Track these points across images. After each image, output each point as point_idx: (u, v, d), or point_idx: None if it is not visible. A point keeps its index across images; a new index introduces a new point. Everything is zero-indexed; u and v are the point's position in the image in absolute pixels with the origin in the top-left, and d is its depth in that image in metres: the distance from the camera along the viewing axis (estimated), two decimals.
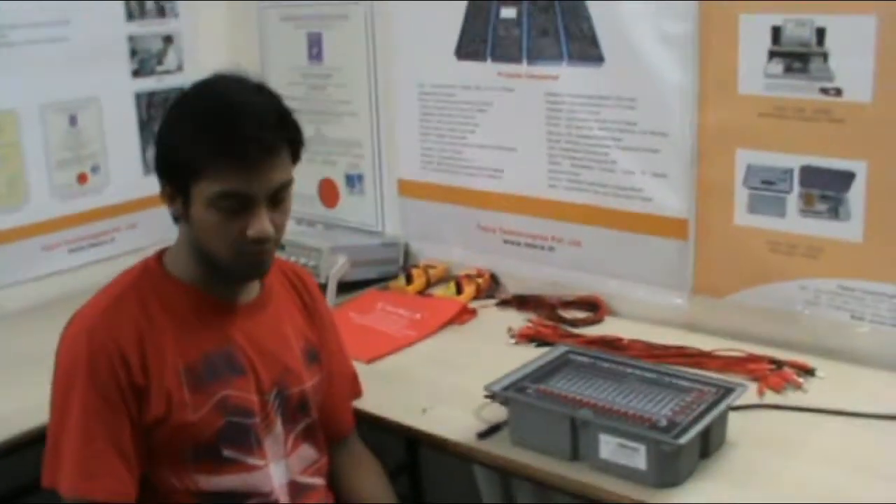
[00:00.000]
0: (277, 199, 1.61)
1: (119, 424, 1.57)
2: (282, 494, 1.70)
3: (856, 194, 2.06)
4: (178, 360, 1.62)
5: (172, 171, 1.62)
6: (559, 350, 2.02)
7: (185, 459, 1.62)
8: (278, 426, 1.72)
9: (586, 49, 2.36)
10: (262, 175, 1.57)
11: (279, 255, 2.51)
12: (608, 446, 1.71)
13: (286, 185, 1.62)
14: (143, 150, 2.96)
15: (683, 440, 1.63)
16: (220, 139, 1.54)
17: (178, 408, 1.60)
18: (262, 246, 1.61)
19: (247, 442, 1.66)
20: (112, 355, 1.57)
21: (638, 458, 1.67)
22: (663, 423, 1.69)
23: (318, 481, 1.80)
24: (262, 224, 1.58)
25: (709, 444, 1.76)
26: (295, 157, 1.65)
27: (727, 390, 1.81)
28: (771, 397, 1.99)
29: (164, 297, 1.65)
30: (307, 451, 1.78)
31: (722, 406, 1.75)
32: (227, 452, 1.64)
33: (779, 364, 2.08)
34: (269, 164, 1.57)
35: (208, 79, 1.65)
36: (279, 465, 1.71)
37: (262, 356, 1.70)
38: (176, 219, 1.67)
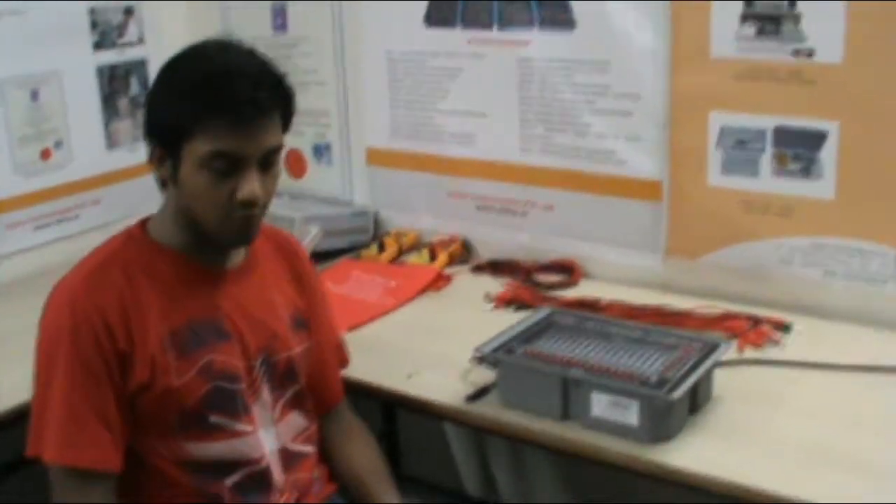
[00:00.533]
0: (268, 163, 1.60)
1: (103, 394, 1.57)
2: (273, 461, 1.70)
3: (828, 154, 2.10)
4: (163, 325, 1.61)
5: (163, 131, 1.60)
6: (543, 312, 2.04)
7: (171, 427, 1.62)
8: (266, 392, 1.72)
9: (558, 14, 2.37)
10: (255, 136, 1.56)
11: None
12: (600, 404, 1.73)
13: (277, 150, 1.62)
14: (107, 125, 2.92)
15: (676, 395, 1.66)
16: (216, 98, 1.53)
17: (163, 373, 1.59)
18: (250, 210, 1.59)
19: (234, 407, 1.66)
20: (95, 326, 1.56)
21: (630, 414, 1.70)
22: (654, 379, 1.72)
23: (309, 449, 1.80)
24: (252, 186, 1.57)
25: (697, 400, 1.79)
26: (286, 124, 1.64)
27: (713, 346, 1.84)
28: (751, 353, 2.03)
29: (148, 264, 1.65)
30: (297, 419, 1.78)
31: (710, 361, 1.78)
32: (213, 418, 1.64)
33: (756, 321, 2.12)
34: (262, 125, 1.57)
35: (200, 43, 1.63)
36: (269, 431, 1.71)
37: (248, 322, 1.70)
38: (163, 184, 1.66)
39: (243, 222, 1.61)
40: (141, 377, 1.58)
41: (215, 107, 1.53)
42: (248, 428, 1.67)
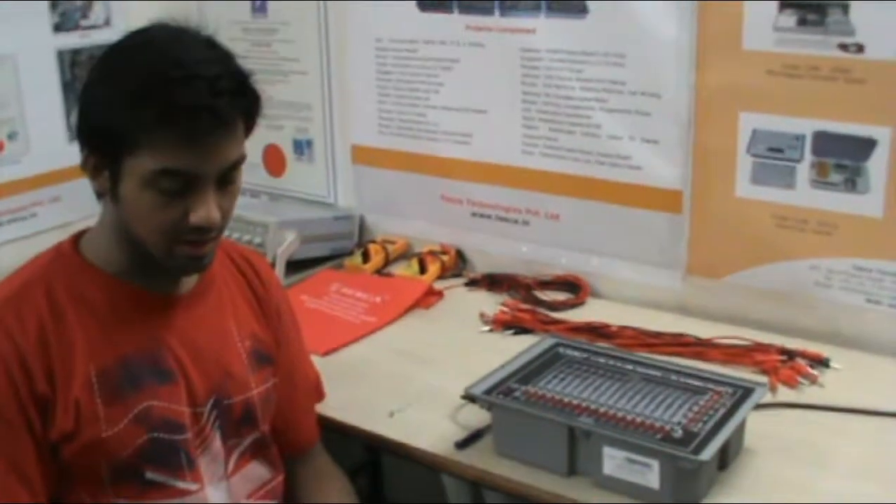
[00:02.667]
0: (227, 179, 1.35)
1: (18, 443, 1.32)
2: None
3: (876, 164, 1.84)
4: (90, 364, 1.35)
5: (100, 139, 1.33)
6: (546, 343, 1.78)
7: (101, 482, 1.37)
8: (216, 443, 1.46)
9: None
10: (212, 152, 1.30)
11: None
12: (613, 461, 1.47)
13: (238, 163, 1.36)
14: (68, 115, 2.66)
15: (705, 455, 1.40)
16: (165, 106, 1.27)
17: (89, 422, 1.34)
18: (204, 236, 1.35)
19: (175, 462, 1.40)
20: (10, 361, 1.31)
21: (650, 475, 1.44)
22: (678, 433, 1.46)
23: None
24: (207, 210, 1.32)
25: (727, 455, 1.53)
26: (249, 130, 1.38)
27: (745, 391, 1.58)
28: (784, 393, 1.78)
29: (76, 290, 1.38)
30: (256, 470, 1.53)
31: (743, 411, 1.52)
32: (150, 474, 1.38)
33: (790, 354, 1.87)
34: (221, 139, 1.31)
35: (146, 28, 1.37)
36: (218, 488, 1.46)
37: (196, 359, 1.44)
38: (99, 195, 1.40)
39: (195, 249, 1.36)
40: (64, 426, 1.33)
41: (165, 117, 1.27)
42: (194, 486, 1.42)
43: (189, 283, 1.47)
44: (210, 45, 1.36)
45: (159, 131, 1.27)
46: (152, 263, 1.39)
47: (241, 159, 1.36)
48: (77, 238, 1.45)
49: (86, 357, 1.35)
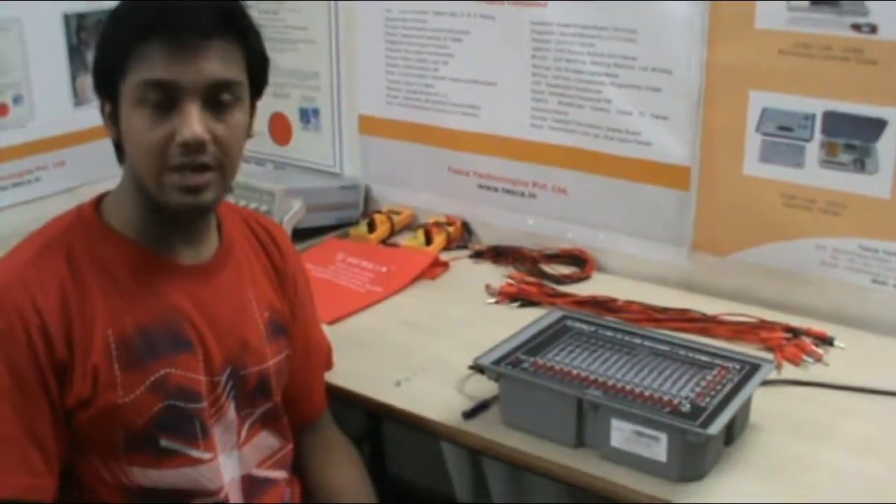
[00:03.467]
0: (219, 102, 1.33)
1: (35, 408, 1.30)
2: (233, 492, 1.45)
3: (886, 145, 1.83)
4: (109, 330, 1.34)
5: (103, 76, 1.35)
6: (554, 315, 1.78)
7: (116, 448, 1.35)
8: (231, 412, 1.45)
9: None
10: (194, 62, 1.29)
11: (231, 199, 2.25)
12: (621, 433, 1.48)
13: (229, 86, 1.33)
14: (73, 79, 2.64)
15: (713, 429, 1.40)
16: (148, 18, 1.29)
17: (106, 388, 1.32)
18: (195, 158, 1.31)
19: (190, 430, 1.39)
20: (30, 325, 1.29)
21: (657, 448, 1.45)
22: (686, 407, 1.47)
23: (279, 474, 1.55)
24: (192, 125, 1.29)
25: (733, 430, 1.54)
26: (249, 59, 1.37)
27: (752, 367, 1.59)
28: (790, 370, 1.78)
29: (96, 254, 1.37)
30: (266, 440, 1.52)
31: (750, 387, 1.53)
32: (164, 442, 1.37)
33: (795, 332, 1.87)
34: (205, 50, 1.30)
35: None
36: (231, 457, 1.45)
37: (214, 329, 1.43)
38: (117, 147, 1.39)
39: (186, 178, 1.32)
40: (81, 391, 1.32)
41: (147, 30, 1.28)
42: (207, 455, 1.40)
43: (206, 251, 1.45)
44: None
45: (142, 46, 1.28)
46: (164, 219, 1.38)
47: (233, 82, 1.34)
48: (98, 201, 1.43)
49: (105, 323, 1.34)
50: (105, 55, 1.34)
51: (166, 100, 1.29)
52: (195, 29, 1.29)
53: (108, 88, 1.34)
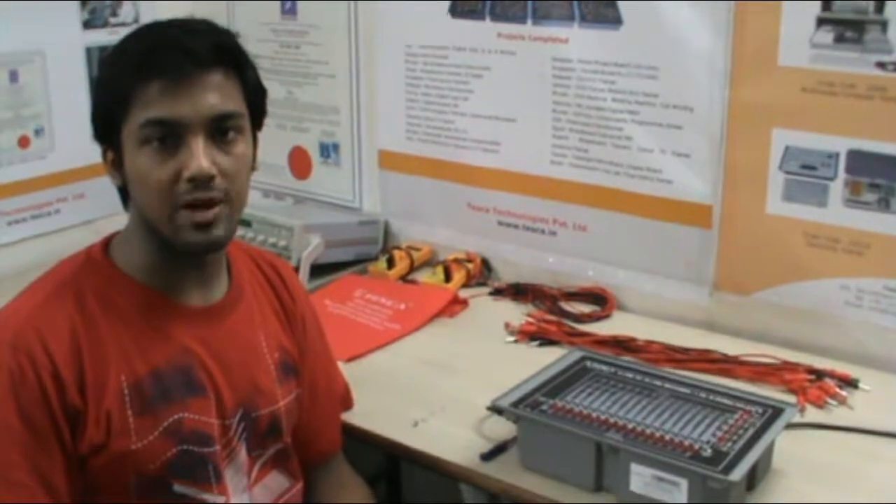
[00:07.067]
0: (222, 136, 1.33)
1: (46, 454, 1.28)
2: None
3: None
4: (122, 376, 1.32)
5: (103, 121, 1.35)
6: (574, 356, 1.76)
7: (126, 493, 1.33)
8: (242, 454, 1.44)
9: (602, 9, 2.09)
10: (194, 96, 1.29)
11: (245, 235, 2.24)
12: (641, 478, 1.45)
13: (231, 118, 1.33)
14: None
15: (735, 476, 1.38)
16: (143, 58, 1.29)
17: (119, 434, 1.31)
18: (201, 193, 1.30)
19: (203, 475, 1.37)
20: (41, 370, 1.28)
21: (678, 493, 1.42)
22: (707, 452, 1.44)
23: None
24: (197, 160, 1.28)
25: (755, 475, 1.51)
26: (249, 90, 1.37)
27: (775, 411, 1.56)
28: (813, 413, 1.75)
29: (107, 297, 1.36)
30: (276, 480, 1.51)
31: (773, 432, 1.50)
32: (178, 487, 1.35)
33: (818, 374, 1.84)
34: (201, 83, 1.30)
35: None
36: (241, 499, 1.44)
37: (226, 372, 1.41)
38: (122, 194, 1.39)
39: (197, 214, 1.31)
40: (94, 438, 1.30)
41: (143, 70, 1.28)
42: (219, 499, 1.39)
43: (217, 293, 1.45)
44: (202, 20, 1.37)
45: (140, 83, 1.28)
46: (174, 261, 1.37)
47: (235, 114, 1.34)
48: (106, 243, 1.43)
49: (117, 368, 1.32)
50: (103, 101, 1.34)
51: (170, 137, 1.29)
52: (192, 64, 1.29)
53: (109, 134, 1.34)
